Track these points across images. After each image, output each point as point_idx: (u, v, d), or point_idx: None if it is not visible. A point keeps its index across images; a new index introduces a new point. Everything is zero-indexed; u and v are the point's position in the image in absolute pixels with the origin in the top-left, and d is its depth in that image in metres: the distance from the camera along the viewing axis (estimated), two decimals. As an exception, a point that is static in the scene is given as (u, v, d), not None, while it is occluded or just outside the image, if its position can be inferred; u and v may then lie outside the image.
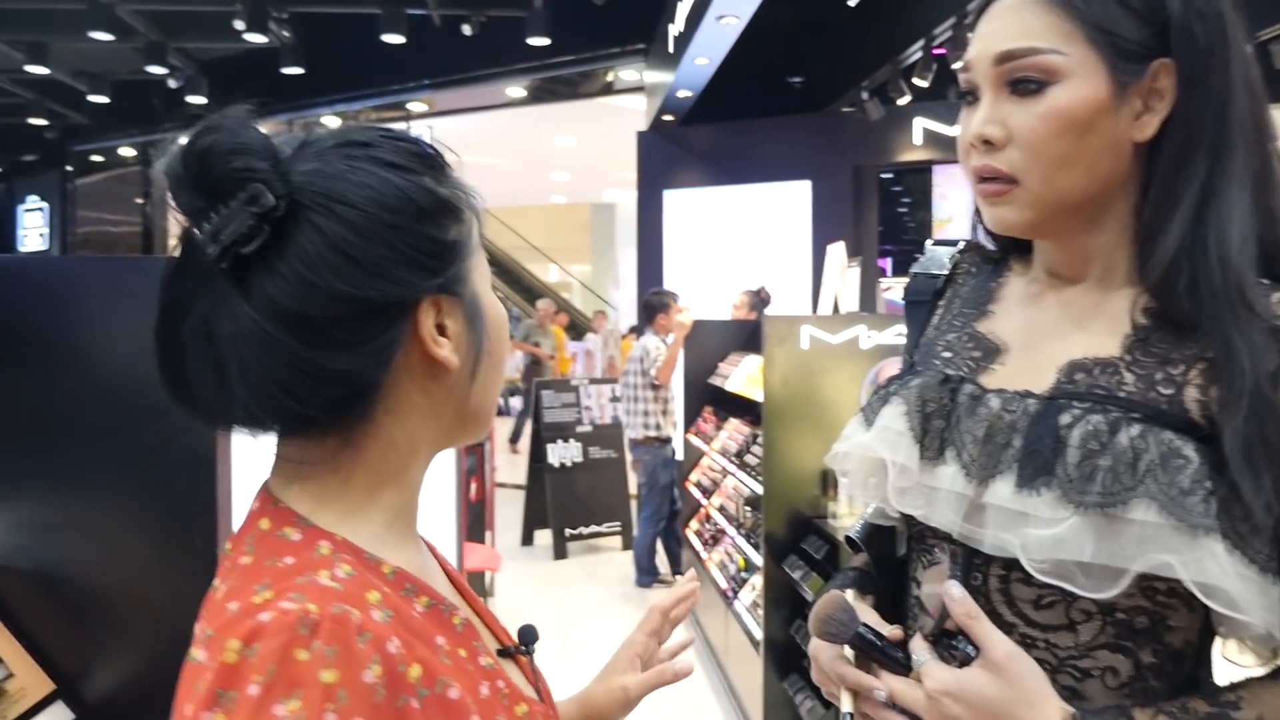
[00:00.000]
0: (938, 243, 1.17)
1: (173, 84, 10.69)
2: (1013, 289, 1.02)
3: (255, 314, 0.65)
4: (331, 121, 12.27)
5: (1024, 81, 0.88)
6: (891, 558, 1.07)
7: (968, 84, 0.94)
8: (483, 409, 0.78)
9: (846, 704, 0.93)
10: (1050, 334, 0.95)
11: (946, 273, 1.11)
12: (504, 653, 0.81)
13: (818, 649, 0.97)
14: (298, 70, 9.78)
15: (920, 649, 0.89)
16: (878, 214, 9.26)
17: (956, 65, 0.97)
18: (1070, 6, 0.87)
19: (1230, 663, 0.87)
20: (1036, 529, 0.84)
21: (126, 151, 14.18)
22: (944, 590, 0.85)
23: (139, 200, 14.32)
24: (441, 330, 0.72)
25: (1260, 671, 0.86)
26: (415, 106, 11.60)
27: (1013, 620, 0.89)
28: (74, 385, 1.48)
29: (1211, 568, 0.78)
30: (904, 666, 0.89)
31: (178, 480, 1.39)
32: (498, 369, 0.78)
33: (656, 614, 1.10)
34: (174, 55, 10.29)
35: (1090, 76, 0.87)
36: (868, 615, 0.98)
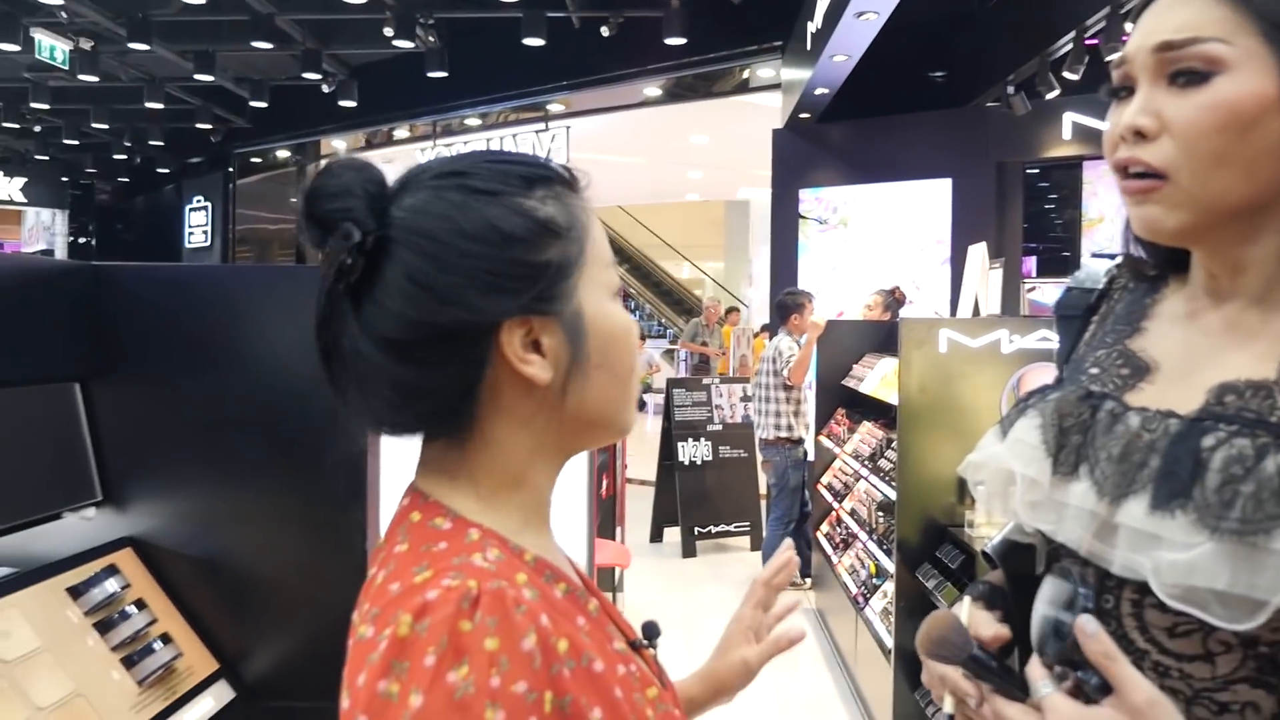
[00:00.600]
0: (1095, 255, 1.13)
1: (326, 88, 11.21)
2: (1168, 306, 0.98)
3: (360, 333, 0.73)
4: (472, 122, 12.66)
5: (1186, 72, 0.84)
6: (1029, 575, 1.03)
7: (1122, 78, 0.89)
8: (602, 415, 0.81)
9: (949, 706, 0.91)
10: (1204, 354, 0.90)
11: (1101, 288, 1.07)
12: (630, 645, 0.85)
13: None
14: (442, 74, 10.11)
15: (1040, 677, 0.85)
16: (1022, 212, 8.93)
17: (1111, 58, 0.93)
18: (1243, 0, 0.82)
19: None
20: (1169, 552, 0.80)
21: (283, 153, 14.97)
22: (1078, 626, 0.81)
23: (293, 200, 15.07)
24: (538, 346, 0.76)
25: None
26: (553, 107, 11.83)
27: (1145, 647, 0.86)
28: (237, 387, 1.59)
29: None
30: (1019, 692, 0.86)
31: (331, 476, 1.47)
32: (613, 379, 0.81)
33: (759, 587, 1.14)
34: (327, 61, 10.78)
35: (1260, 71, 0.82)
36: (987, 628, 0.96)
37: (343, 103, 11.32)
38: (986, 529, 3.32)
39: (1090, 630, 0.81)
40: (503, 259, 0.74)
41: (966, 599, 1.00)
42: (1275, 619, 0.77)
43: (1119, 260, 1.07)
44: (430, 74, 10.10)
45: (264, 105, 11.91)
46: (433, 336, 0.73)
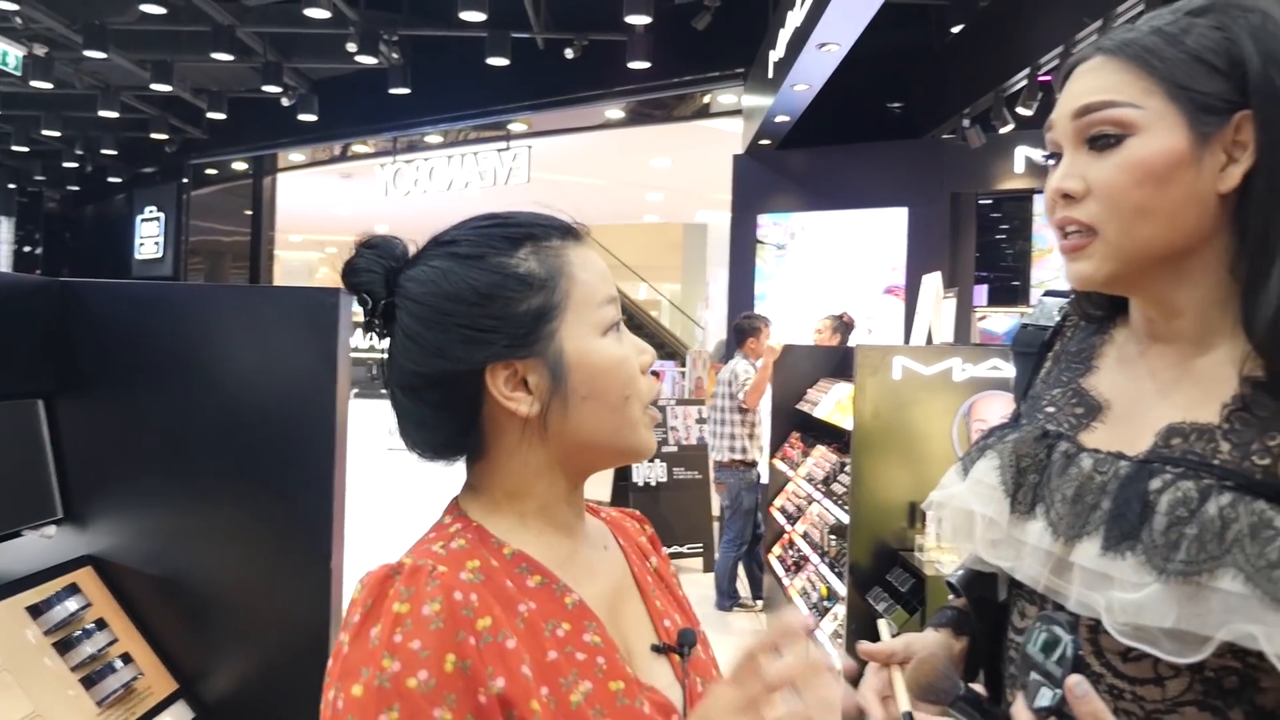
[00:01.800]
0: (1049, 293, 1.18)
1: (286, 102, 11.13)
2: (1117, 347, 1.03)
3: (389, 378, 0.92)
4: (434, 139, 12.64)
5: (1102, 136, 0.90)
6: (991, 602, 1.08)
7: (1051, 144, 0.96)
8: (597, 441, 0.92)
9: (905, 703, 0.94)
10: (1149, 396, 0.95)
11: (1055, 324, 1.12)
12: (658, 649, 0.95)
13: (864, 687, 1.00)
14: (404, 90, 10.10)
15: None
16: (975, 242, 9.10)
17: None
18: (1147, 63, 0.89)
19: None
20: (1120, 592, 0.85)
21: (239, 165, 14.80)
22: (1068, 686, 0.84)
23: (247, 212, 14.90)
24: (527, 383, 0.89)
25: None
26: (515, 127, 11.85)
27: (1100, 671, 0.90)
28: (202, 406, 1.59)
29: None
30: None
31: (297, 496, 1.48)
32: (605, 407, 0.91)
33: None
34: (288, 75, 10.72)
35: (1169, 129, 0.88)
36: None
37: (302, 116, 11.25)
38: (936, 553, 3.38)
39: (1080, 692, 0.83)
40: (479, 315, 0.88)
41: (881, 623, 1.04)
42: (1221, 646, 0.81)
43: (1073, 297, 1.13)
44: (392, 90, 10.08)
45: (222, 117, 11.80)
46: (429, 382, 0.89)
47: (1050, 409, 1.02)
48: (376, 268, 0.91)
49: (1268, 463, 0.84)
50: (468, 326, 0.87)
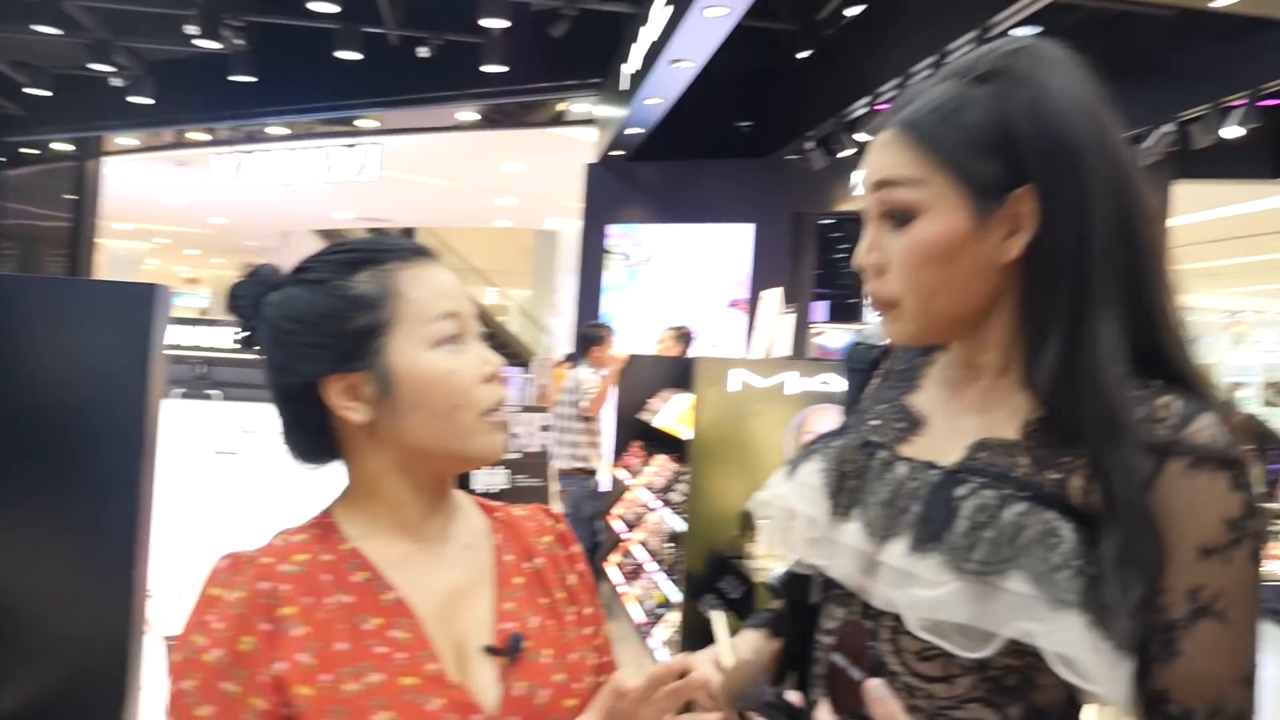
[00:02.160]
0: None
1: (117, 82, 10.50)
2: (938, 370, 1.09)
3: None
4: (278, 131, 12.18)
5: (893, 214, 0.96)
6: (806, 604, 1.13)
7: (862, 210, 1.01)
8: (429, 446, 1.00)
9: (728, 656, 0.98)
10: (963, 414, 1.02)
11: (884, 344, 1.18)
12: (489, 650, 1.00)
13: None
14: (248, 79, 9.69)
15: None
16: (815, 260, 9.43)
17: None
18: (929, 144, 0.94)
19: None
20: (922, 590, 0.90)
21: (61, 146, 13.84)
22: (866, 689, 0.88)
23: (69, 196, 13.95)
24: (357, 392, 0.99)
25: None
26: (365, 123, 11.55)
27: (897, 669, 0.96)
28: (3, 401, 1.49)
29: (1070, 639, 0.85)
30: None
31: (101, 502, 1.40)
32: (433, 416, 0.99)
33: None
34: (121, 53, 10.12)
35: (951, 209, 0.93)
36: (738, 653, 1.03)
37: (135, 99, 10.63)
38: (767, 560, 3.49)
39: (877, 695, 0.88)
40: (314, 334, 0.99)
41: (716, 617, 1.08)
42: (1005, 646, 0.88)
43: None
44: (234, 78, 9.66)
45: (44, 93, 11.03)
46: (283, 394, 1.02)
47: (875, 421, 1.08)
48: (250, 293, 1.03)
49: (1059, 478, 0.92)
50: (305, 344, 0.99)
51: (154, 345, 1.38)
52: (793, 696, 0.98)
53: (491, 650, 1.00)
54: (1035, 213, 0.93)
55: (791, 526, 1.04)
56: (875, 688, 0.88)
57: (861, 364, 1.19)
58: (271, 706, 0.90)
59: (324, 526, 1.01)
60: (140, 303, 1.39)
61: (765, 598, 3.38)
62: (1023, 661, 0.91)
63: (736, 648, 1.07)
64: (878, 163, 0.98)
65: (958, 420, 1.02)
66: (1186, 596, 0.89)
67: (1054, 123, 0.92)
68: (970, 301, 0.96)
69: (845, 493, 1.01)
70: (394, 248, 1.03)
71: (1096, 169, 0.92)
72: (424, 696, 0.93)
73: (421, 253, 1.04)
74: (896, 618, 0.94)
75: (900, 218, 0.95)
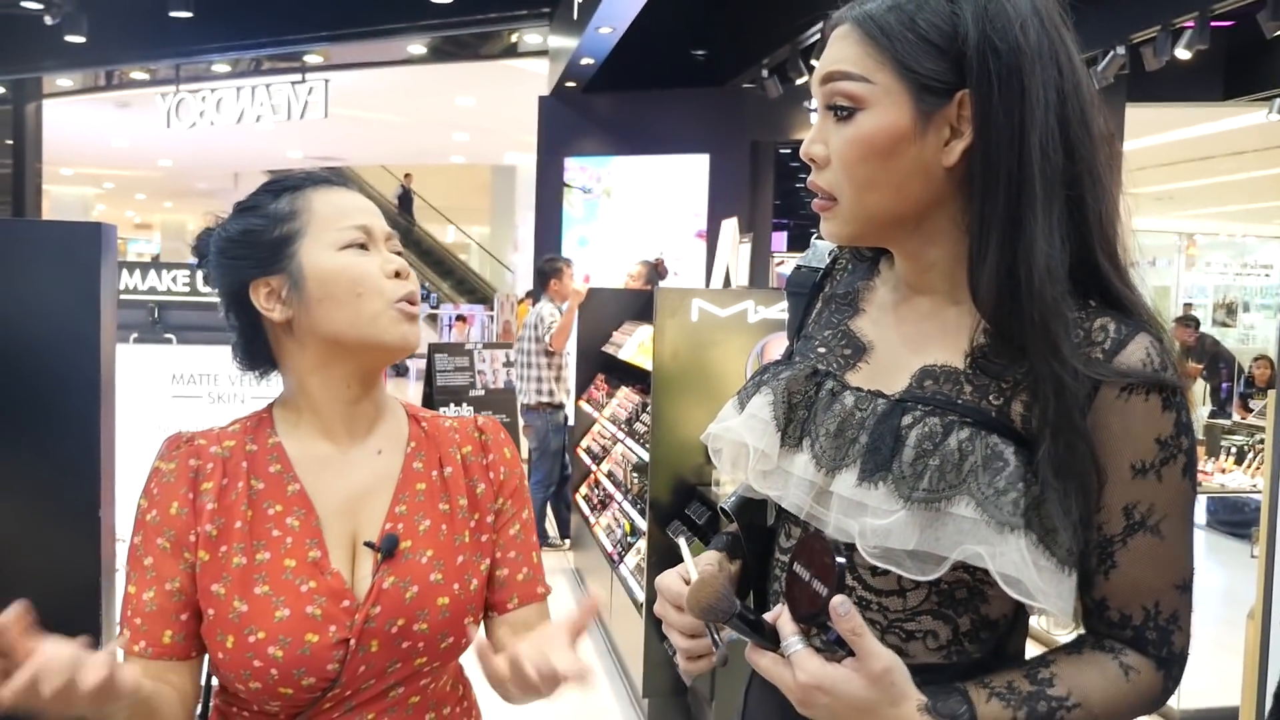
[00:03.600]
0: (820, 237, 1.24)
1: (49, 20, 10.12)
2: (879, 293, 1.09)
3: None
4: (221, 68, 11.85)
5: (839, 107, 0.95)
6: (761, 526, 1.15)
7: (815, 103, 1.01)
8: (343, 334, 1.12)
9: (693, 572, 1.00)
10: (907, 342, 1.03)
11: (825, 267, 1.18)
12: (368, 545, 1.13)
13: (662, 581, 1.05)
14: (185, 14, 9.36)
15: (790, 633, 0.92)
16: (774, 190, 9.42)
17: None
18: (878, 40, 0.93)
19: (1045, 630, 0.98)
20: (873, 519, 0.92)
21: (-4, 89, 13.39)
22: (832, 606, 0.88)
23: (7, 141, 13.52)
24: (278, 293, 1.12)
25: (1066, 638, 0.98)
26: (311, 59, 11.26)
27: (852, 584, 0.99)
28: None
29: (1015, 559, 0.87)
30: (771, 644, 0.93)
31: (60, 445, 1.39)
32: (337, 304, 1.11)
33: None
34: (52, -11, 9.74)
35: (894, 105, 0.93)
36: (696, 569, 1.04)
37: (70, 38, 10.25)
38: (730, 487, 3.53)
39: (842, 611, 0.88)
40: (239, 247, 1.14)
41: (681, 540, 1.10)
42: (952, 564, 0.91)
43: None
44: (173, 14, 9.33)
45: (-27, 34, 10.62)
46: (225, 305, 1.16)
47: (821, 349, 1.08)
48: (207, 237, 1.18)
49: (1000, 403, 0.94)
50: (232, 257, 1.15)
51: (104, 284, 1.36)
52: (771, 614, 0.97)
53: (369, 545, 1.13)
54: (974, 117, 0.93)
55: (744, 459, 1.04)
56: (840, 603, 0.89)
57: (803, 288, 1.19)
58: (190, 564, 1.08)
59: (260, 420, 1.17)
60: (86, 242, 1.37)
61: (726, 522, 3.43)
62: (973, 577, 0.95)
63: (700, 566, 1.08)
64: (831, 54, 0.97)
65: (901, 348, 1.03)
66: (1122, 513, 0.93)
67: (1001, 29, 0.92)
68: (905, 203, 0.97)
69: (795, 424, 1.02)
70: (315, 178, 1.18)
71: (1040, 79, 0.92)
72: (301, 578, 1.08)
73: (338, 182, 1.19)
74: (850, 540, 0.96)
75: (845, 111, 0.95)
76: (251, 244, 1.14)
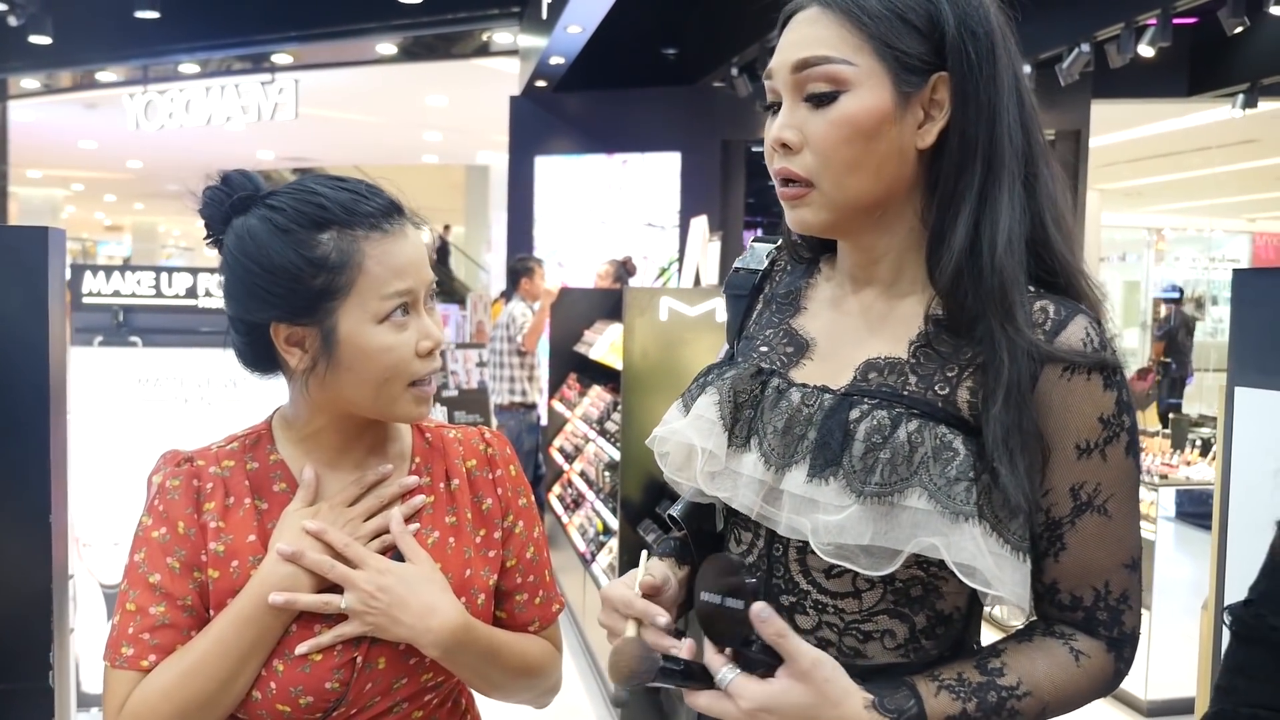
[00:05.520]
0: (758, 240, 1.24)
1: (14, 21, 9.99)
2: (821, 290, 1.10)
3: None
4: (189, 69, 11.73)
5: (818, 92, 0.95)
6: (710, 533, 1.14)
7: (771, 93, 1.01)
8: (357, 404, 1.10)
9: (631, 630, 0.98)
10: (850, 335, 1.03)
11: (764, 268, 1.18)
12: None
13: (608, 590, 1.04)
14: (153, 14, 9.27)
15: (718, 664, 0.92)
16: (745, 188, 9.44)
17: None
18: (858, 20, 0.94)
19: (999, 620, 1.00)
20: (825, 515, 0.92)
21: (-40, 90, 13.19)
22: (754, 614, 0.90)
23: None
24: (302, 342, 1.07)
25: (1018, 624, 0.99)
26: (280, 59, 11.17)
27: (807, 588, 0.99)
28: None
29: (970, 548, 0.88)
30: (703, 682, 0.93)
31: (8, 449, 1.38)
32: (363, 382, 1.07)
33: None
34: (15, -11, 9.61)
35: (876, 86, 0.94)
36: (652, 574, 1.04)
37: (35, 39, 10.12)
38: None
39: (764, 616, 0.90)
40: (270, 282, 1.04)
41: (644, 554, 1.09)
42: (908, 559, 0.91)
43: (779, 244, 1.20)
44: (140, 14, 9.23)
45: (-66, 35, 10.46)
46: (233, 320, 1.10)
47: (764, 348, 1.09)
48: (218, 203, 1.09)
49: (946, 392, 0.95)
50: (261, 288, 1.05)
51: (52, 289, 1.34)
52: (684, 650, 0.96)
53: None
54: (949, 101, 0.95)
55: (691, 461, 1.03)
56: (761, 609, 0.90)
57: (742, 290, 1.18)
58: (201, 583, 1.07)
59: (259, 437, 1.15)
60: (33, 246, 1.35)
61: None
62: (927, 573, 0.96)
63: (650, 571, 1.06)
64: (801, 38, 0.97)
65: (845, 342, 1.03)
66: (1069, 494, 0.95)
67: (976, 14, 0.95)
68: (882, 186, 0.97)
69: (741, 423, 1.01)
70: (365, 212, 1.06)
71: (1004, 62, 0.96)
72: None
73: (390, 214, 1.08)
74: (803, 540, 0.96)
75: (823, 96, 0.95)
76: (286, 287, 1.05)
